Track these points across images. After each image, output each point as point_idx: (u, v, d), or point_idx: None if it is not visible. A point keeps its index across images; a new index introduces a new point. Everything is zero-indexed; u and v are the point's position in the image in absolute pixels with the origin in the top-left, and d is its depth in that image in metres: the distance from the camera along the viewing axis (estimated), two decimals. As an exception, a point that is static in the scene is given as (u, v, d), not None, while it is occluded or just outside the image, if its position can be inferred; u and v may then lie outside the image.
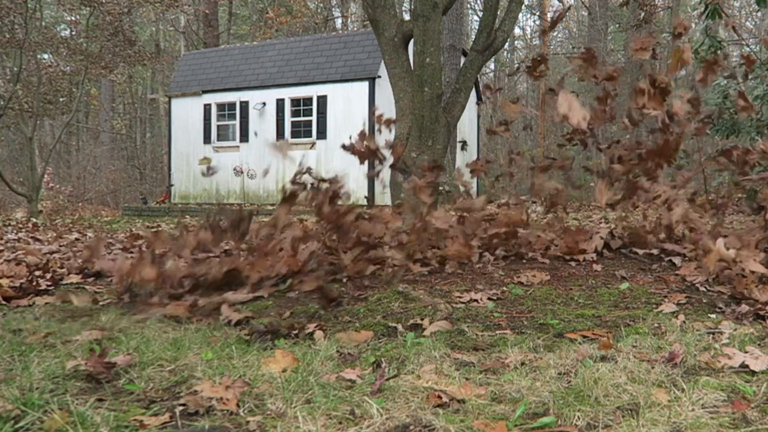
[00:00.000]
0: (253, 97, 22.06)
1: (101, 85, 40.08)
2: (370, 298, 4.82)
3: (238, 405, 2.57)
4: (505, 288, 5.16)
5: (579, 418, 2.41)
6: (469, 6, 39.54)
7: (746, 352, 3.11)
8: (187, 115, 23.53)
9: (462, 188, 6.48)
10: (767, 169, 8.28)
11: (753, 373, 2.86)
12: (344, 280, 5.42)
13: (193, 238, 5.25)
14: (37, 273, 5.69)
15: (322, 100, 20.88)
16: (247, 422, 2.43)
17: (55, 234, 10.73)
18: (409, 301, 4.63)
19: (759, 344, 3.31)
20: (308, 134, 21.16)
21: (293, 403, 2.58)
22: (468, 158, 24.97)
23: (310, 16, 37.57)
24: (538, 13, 39.84)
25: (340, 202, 5.44)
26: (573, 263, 6.08)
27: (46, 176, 25.64)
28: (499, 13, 8.76)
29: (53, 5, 35.56)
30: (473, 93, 24.92)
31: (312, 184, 5.38)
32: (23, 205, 22.26)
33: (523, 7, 15.10)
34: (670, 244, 6.06)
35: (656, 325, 3.82)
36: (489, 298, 4.73)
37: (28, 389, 2.67)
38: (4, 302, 4.85)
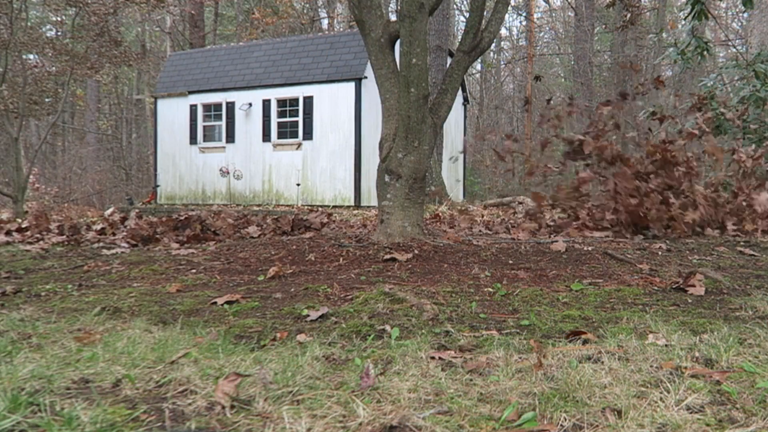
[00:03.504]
0: (240, 97, 22.01)
1: (87, 85, 39.93)
2: (356, 298, 4.83)
3: (224, 405, 2.57)
4: (491, 289, 5.17)
5: (565, 418, 2.42)
6: (455, 7, 39.59)
7: (730, 353, 3.13)
8: (173, 115, 23.46)
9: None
10: None
11: (738, 373, 2.87)
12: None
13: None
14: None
15: (309, 101, 20.84)
16: (235, 423, 2.43)
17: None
18: (395, 302, 4.63)
19: (741, 344, 3.33)
20: (294, 135, 21.12)
21: (281, 404, 2.58)
22: (454, 160, 24.99)
23: (296, 17, 37.53)
24: (524, 14, 39.88)
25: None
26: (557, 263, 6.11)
27: (31, 177, 25.54)
28: (485, 13, 8.77)
29: (39, 6, 35.42)
30: (459, 94, 24.95)
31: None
32: (8, 205, 22.16)
33: (509, 7, 15.13)
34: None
35: (642, 325, 3.83)
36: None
37: (14, 389, 2.66)
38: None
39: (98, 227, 11.10)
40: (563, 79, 44.74)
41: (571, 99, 9.77)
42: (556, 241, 7.36)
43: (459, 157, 25.01)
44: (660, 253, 6.87)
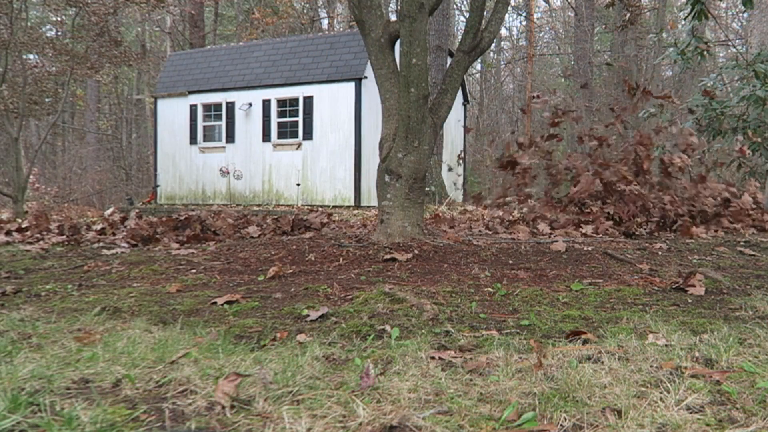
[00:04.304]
0: (240, 97, 21.98)
1: (87, 85, 39.91)
2: (356, 298, 4.82)
3: (224, 405, 2.56)
4: (491, 289, 5.17)
5: (565, 418, 2.42)
6: (455, 7, 39.57)
7: (730, 353, 3.13)
8: (173, 115, 23.43)
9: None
10: None
11: (738, 373, 2.87)
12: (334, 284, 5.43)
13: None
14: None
15: (309, 101, 20.81)
16: (235, 423, 2.43)
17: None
18: (395, 302, 4.63)
19: (741, 344, 3.33)
20: (294, 135, 21.09)
21: (281, 404, 2.58)
22: (455, 159, 24.98)
23: (296, 17, 37.51)
24: (524, 14, 39.86)
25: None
26: (556, 263, 6.11)
27: (31, 177, 25.53)
28: (485, 13, 8.77)
29: (39, 6, 35.39)
30: (459, 93, 24.94)
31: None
32: (8, 205, 22.15)
33: (509, 7, 15.13)
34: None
35: (642, 325, 3.83)
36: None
37: (14, 389, 2.66)
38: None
39: (98, 227, 11.10)
40: (563, 79, 44.72)
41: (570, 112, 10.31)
42: (556, 241, 7.36)
43: (458, 162, 24.96)
44: (660, 253, 6.87)
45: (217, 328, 4.03)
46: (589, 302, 4.63)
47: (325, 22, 39.70)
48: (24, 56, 22.26)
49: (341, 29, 36.64)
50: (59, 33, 31.45)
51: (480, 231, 9.61)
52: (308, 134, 20.90)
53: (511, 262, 6.35)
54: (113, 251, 8.41)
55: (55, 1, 22.17)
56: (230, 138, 22.28)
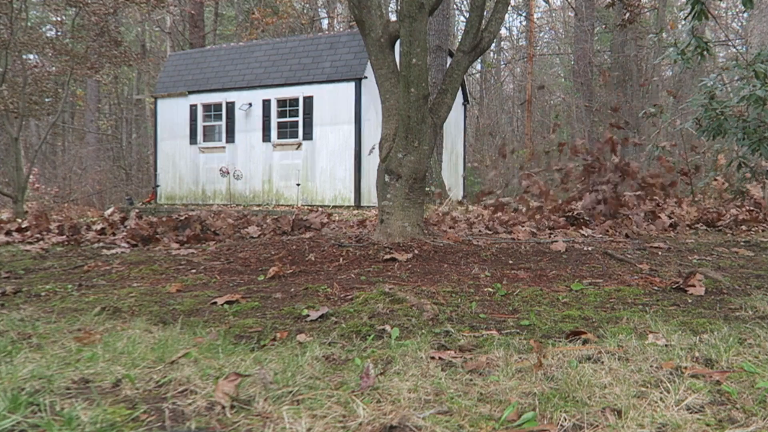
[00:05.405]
0: (240, 97, 21.97)
1: (87, 85, 39.89)
2: (356, 298, 4.82)
3: (224, 405, 2.56)
4: (491, 289, 5.17)
5: (565, 418, 2.42)
6: (455, 7, 39.56)
7: (730, 353, 3.13)
8: (173, 115, 23.41)
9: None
10: None
11: (738, 373, 2.87)
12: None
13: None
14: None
15: (309, 101, 20.80)
16: (235, 423, 2.43)
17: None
18: (395, 302, 4.63)
19: (741, 344, 3.33)
20: (294, 135, 21.08)
21: (281, 404, 2.58)
22: (454, 159, 24.98)
23: (296, 17, 37.48)
24: (524, 14, 39.83)
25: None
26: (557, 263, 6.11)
27: (31, 177, 25.51)
28: (485, 13, 8.77)
29: (39, 6, 35.38)
30: (459, 94, 24.93)
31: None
32: (8, 205, 22.15)
33: (509, 7, 15.13)
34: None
35: (642, 325, 3.83)
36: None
37: (14, 389, 2.66)
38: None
39: (98, 227, 11.10)
40: (563, 79, 44.70)
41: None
42: (556, 241, 7.36)
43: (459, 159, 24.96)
44: (660, 253, 6.88)
45: (217, 328, 4.02)
46: (589, 302, 4.63)
47: (325, 22, 39.69)
48: (24, 56, 22.24)
49: (341, 29, 36.62)
50: (59, 33, 31.42)
51: (480, 231, 9.61)
52: (308, 134, 20.90)
53: (511, 262, 6.36)
54: (113, 251, 8.41)
55: (55, 1, 22.18)
56: (230, 138, 22.28)
